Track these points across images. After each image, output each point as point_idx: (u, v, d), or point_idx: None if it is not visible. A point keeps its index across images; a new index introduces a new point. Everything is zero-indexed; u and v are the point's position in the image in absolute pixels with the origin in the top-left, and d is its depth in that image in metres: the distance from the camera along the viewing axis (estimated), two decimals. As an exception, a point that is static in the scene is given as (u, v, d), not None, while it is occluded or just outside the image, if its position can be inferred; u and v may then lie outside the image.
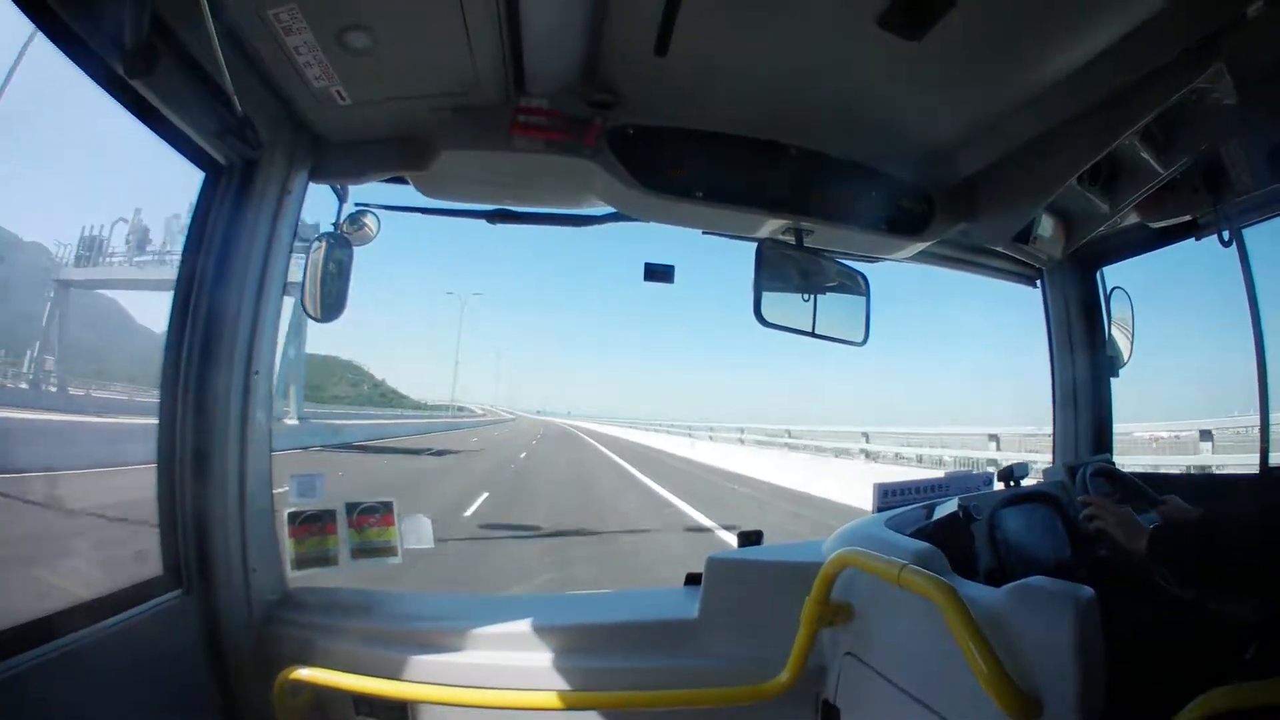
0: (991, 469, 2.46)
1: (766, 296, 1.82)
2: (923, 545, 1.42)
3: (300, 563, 1.88)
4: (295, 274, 1.91)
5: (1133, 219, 2.16)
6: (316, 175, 1.85)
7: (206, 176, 1.70)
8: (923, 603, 1.14)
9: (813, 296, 1.91)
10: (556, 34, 1.45)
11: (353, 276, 1.95)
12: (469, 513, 10.32)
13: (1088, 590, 1.01)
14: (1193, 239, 2.19)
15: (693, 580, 1.93)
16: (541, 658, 1.74)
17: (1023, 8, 1.29)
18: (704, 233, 2.10)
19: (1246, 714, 0.82)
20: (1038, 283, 2.61)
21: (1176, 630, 1.27)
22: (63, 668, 1.29)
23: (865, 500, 2.15)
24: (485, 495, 12.26)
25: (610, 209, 1.96)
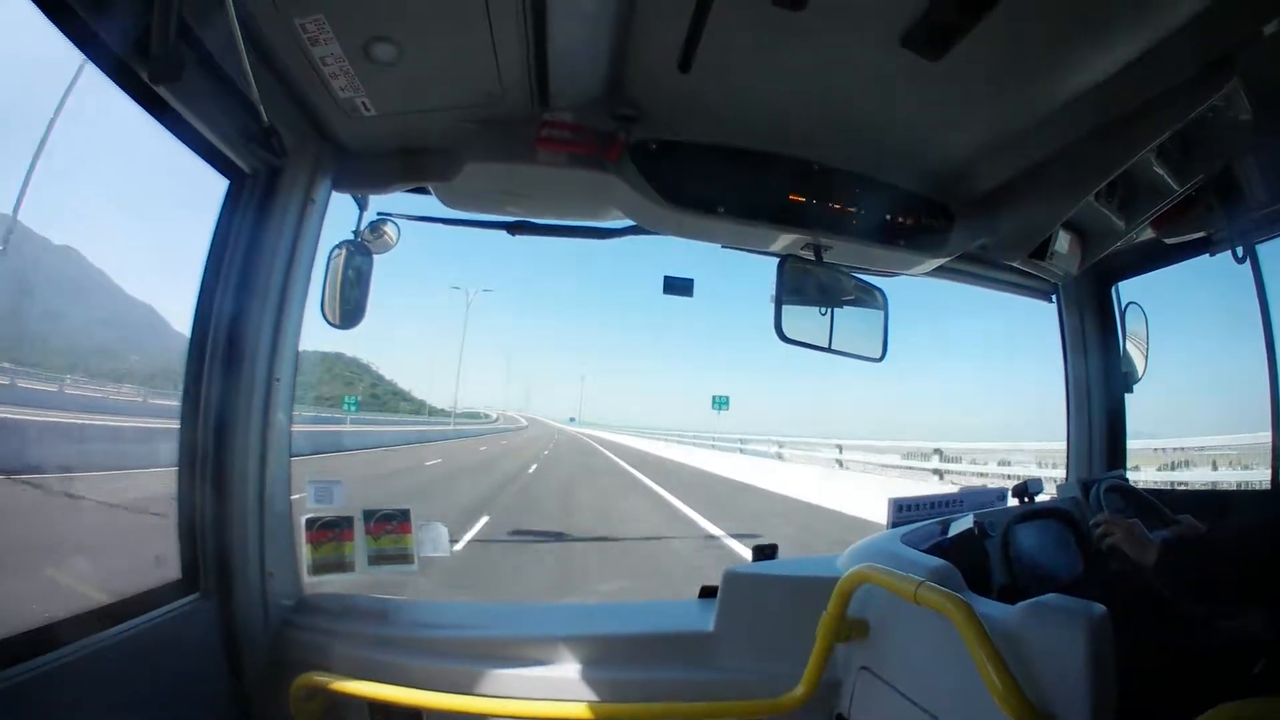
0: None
1: (787, 311, 1.83)
2: (938, 562, 1.43)
3: (317, 568, 1.89)
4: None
5: (1148, 234, 2.16)
6: (340, 184, 1.87)
7: (230, 183, 1.72)
8: (938, 619, 1.14)
9: (830, 311, 1.91)
10: (582, 48, 1.46)
11: (372, 283, 1.97)
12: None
13: (1100, 608, 1.02)
14: (1207, 254, 2.20)
15: (708, 593, 1.93)
16: (556, 668, 1.74)
17: (1041, 27, 1.30)
18: (723, 247, 2.11)
19: None
20: (1053, 297, 2.62)
21: (1187, 646, 1.28)
22: (82, 670, 1.30)
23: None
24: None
25: (631, 222, 1.98)
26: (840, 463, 16.76)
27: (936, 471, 13.55)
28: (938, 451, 14.02)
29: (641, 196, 1.73)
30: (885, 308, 2.03)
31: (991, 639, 1.05)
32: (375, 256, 2.01)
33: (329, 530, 1.90)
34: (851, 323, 1.95)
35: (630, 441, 48.76)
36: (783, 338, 1.81)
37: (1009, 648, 1.05)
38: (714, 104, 1.65)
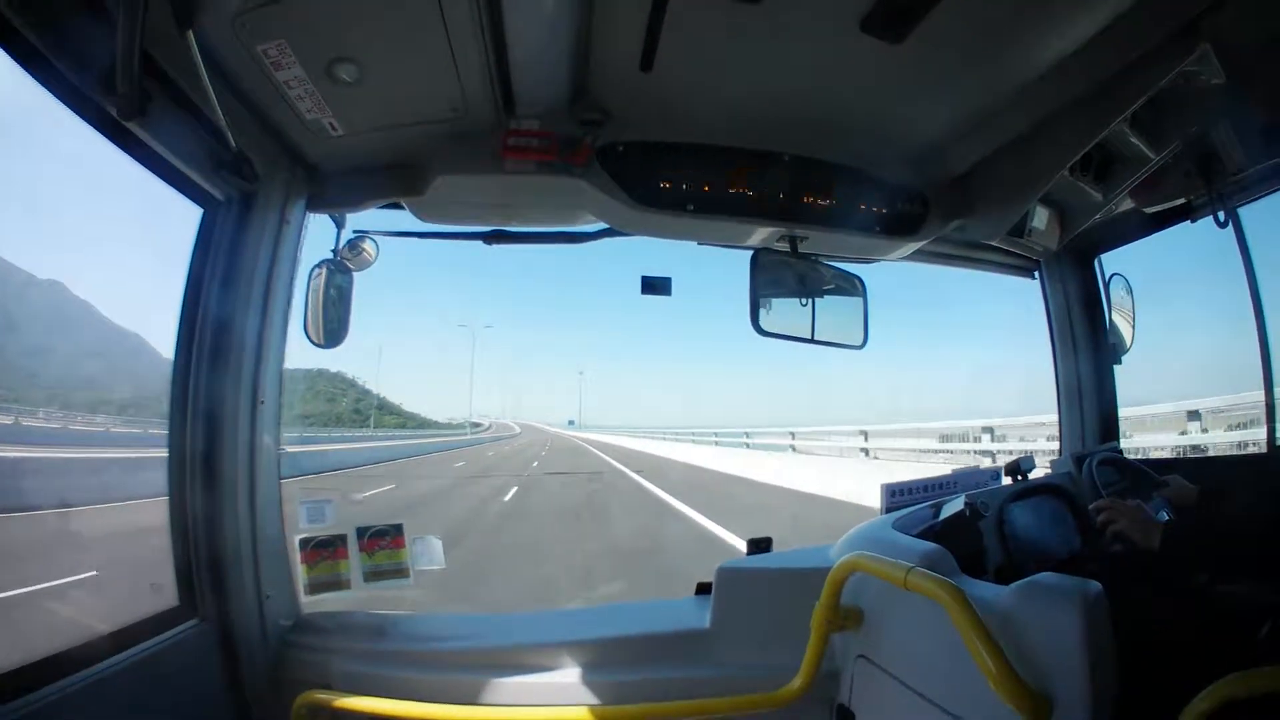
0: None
1: (764, 304, 1.83)
2: (930, 546, 1.42)
3: (313, 587, 1.90)
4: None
5: (1128, 205, 2.15)
6: (314, 205, 1.88)
7: (204, 212, 1.72)
8: (932, 604, 1.14)
9: (810, 302, 1.91)
10: (542, 55, 1.47)
11: (354, 301, 1.99)
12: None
13: (1095, 585, 1.01)
14: (1188, 221, 2.19)
15: (703, 590, 1.93)
16: (556, 674, 1.75)
17: (1004, 3, 1.29)
18: (699, 244, 2.11)
19: (1259, 700, 0.82)
20: (1036, 274, 2.61)
21: (1189, 616, 1.27)
22: (85, 700, 1.31)
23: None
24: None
25: (605, 225, 1.98)
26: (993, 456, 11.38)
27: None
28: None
29: (611, 199, 1.73)
30: (864, 295, 2.03)
31: (984, 622, 1.04)
32: (355, 274, 2.01)
33: (323, 549, 1.91)
34: (832, 312, 1.95)
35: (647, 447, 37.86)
36: (760, 331, 1.81)
37: (1003, 629, 1.04)
38: (678, 102, 1.65)
